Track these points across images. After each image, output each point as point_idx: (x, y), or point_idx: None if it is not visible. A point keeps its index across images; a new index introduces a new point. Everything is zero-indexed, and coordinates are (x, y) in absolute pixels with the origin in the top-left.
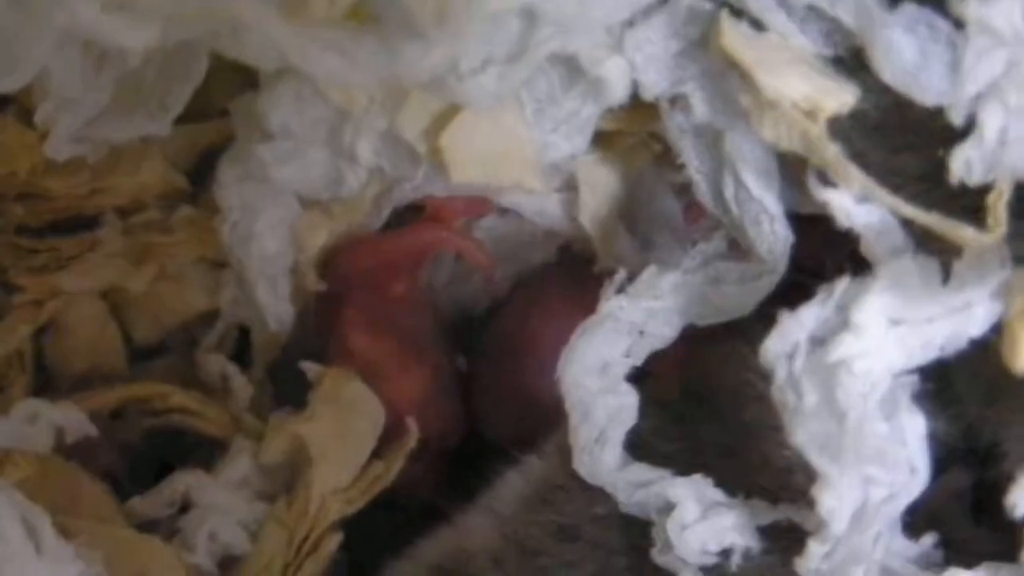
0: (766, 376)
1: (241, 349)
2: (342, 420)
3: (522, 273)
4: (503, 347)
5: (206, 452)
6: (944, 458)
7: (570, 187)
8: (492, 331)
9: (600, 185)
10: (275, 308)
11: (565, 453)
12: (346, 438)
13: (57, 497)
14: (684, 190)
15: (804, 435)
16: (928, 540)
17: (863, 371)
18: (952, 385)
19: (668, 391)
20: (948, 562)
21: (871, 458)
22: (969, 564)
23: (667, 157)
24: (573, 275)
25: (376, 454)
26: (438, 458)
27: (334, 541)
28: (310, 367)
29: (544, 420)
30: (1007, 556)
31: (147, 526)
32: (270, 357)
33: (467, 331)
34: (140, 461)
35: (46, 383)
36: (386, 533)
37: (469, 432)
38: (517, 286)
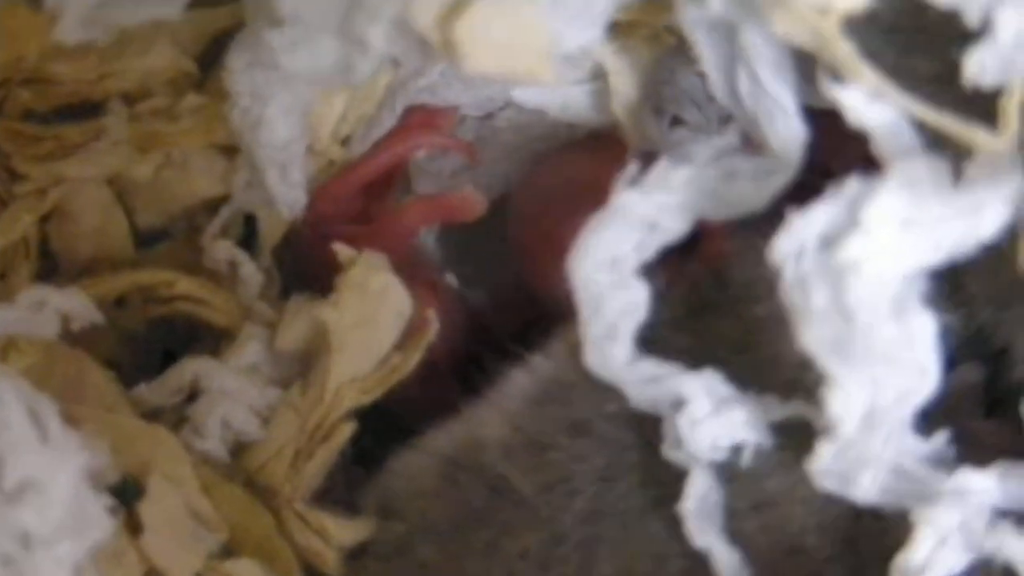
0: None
1: (245, 238)
2: (367, 309)
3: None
4: (512, 244)
5: (211, 342)
6: (956, 353)
7: (593, 78)
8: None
9: (626, 72)
10: (286, 195)
11: (574, 350)
12: (369, 328)
13: (63, 384)
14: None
15: (812, 337)
16: (940, 438)
17: (872, 272)
18: (964, 287)
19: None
20: (961, 459)
21: (880, 360)
22: (983, 460)
23: (683, 48)
24: (584, 168)
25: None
26: (441, 377)
27: (347, 430)
28: (342, 249)
29: (554, 317)
30: (1022, 454)
31: (152, 415)
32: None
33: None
34: (145, 351)
35: (52, 270)
36: (393, 424)
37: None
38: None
